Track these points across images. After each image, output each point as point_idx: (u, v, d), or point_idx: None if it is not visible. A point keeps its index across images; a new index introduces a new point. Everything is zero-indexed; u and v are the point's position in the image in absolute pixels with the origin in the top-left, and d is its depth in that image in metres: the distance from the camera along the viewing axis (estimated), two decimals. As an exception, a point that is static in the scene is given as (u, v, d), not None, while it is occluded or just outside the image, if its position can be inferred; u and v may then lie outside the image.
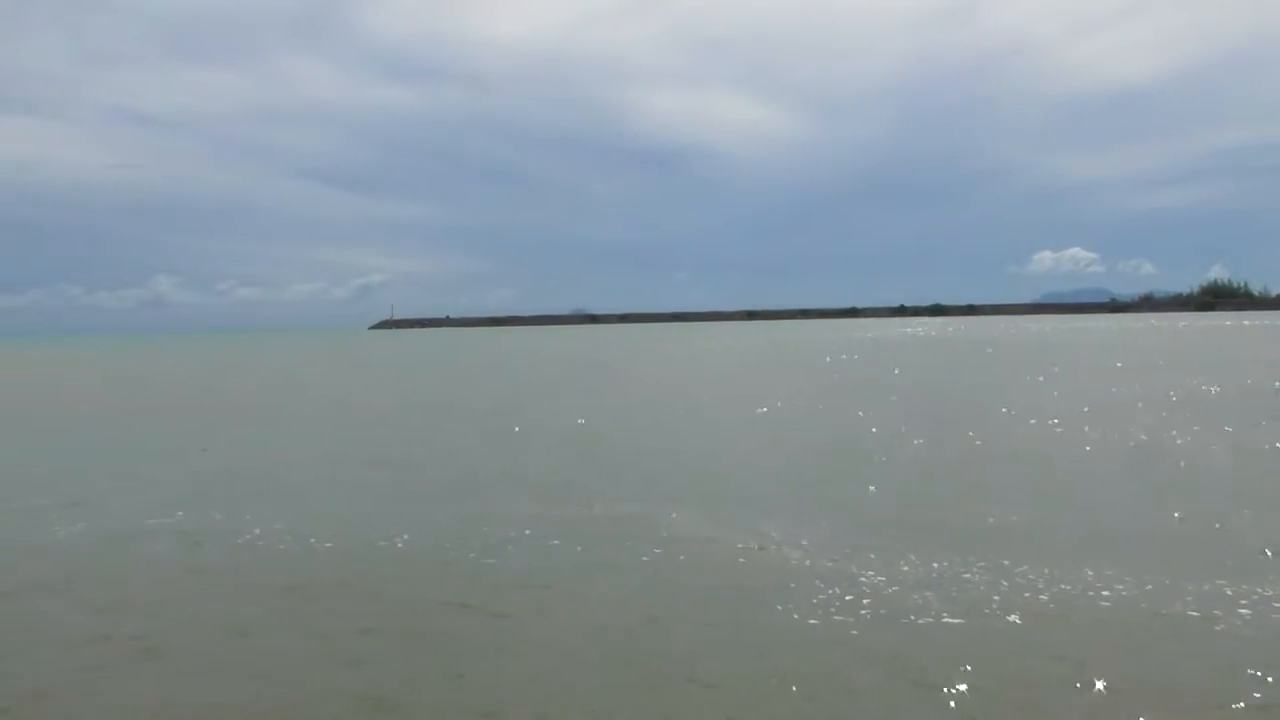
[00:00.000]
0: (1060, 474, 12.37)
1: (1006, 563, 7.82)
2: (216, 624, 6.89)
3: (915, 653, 5.94)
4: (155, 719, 5.45)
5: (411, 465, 14.61)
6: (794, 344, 63.39)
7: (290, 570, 8.30)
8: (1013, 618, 6.52)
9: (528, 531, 9.60)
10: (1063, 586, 7.14)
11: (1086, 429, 16.01)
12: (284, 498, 11.88)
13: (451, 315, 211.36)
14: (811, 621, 6.59)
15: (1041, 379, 27.50)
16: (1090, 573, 7.43)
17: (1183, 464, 12.66)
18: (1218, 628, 6.27)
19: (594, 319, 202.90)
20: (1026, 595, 6.98)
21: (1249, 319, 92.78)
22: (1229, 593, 6.90)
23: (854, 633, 6.36)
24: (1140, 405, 19.26)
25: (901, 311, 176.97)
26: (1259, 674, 5.47)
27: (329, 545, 9.15)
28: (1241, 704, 5.14)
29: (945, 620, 6.51)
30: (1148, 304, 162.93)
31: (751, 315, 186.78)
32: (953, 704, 5.23)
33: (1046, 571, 7.51)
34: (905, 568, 7.80)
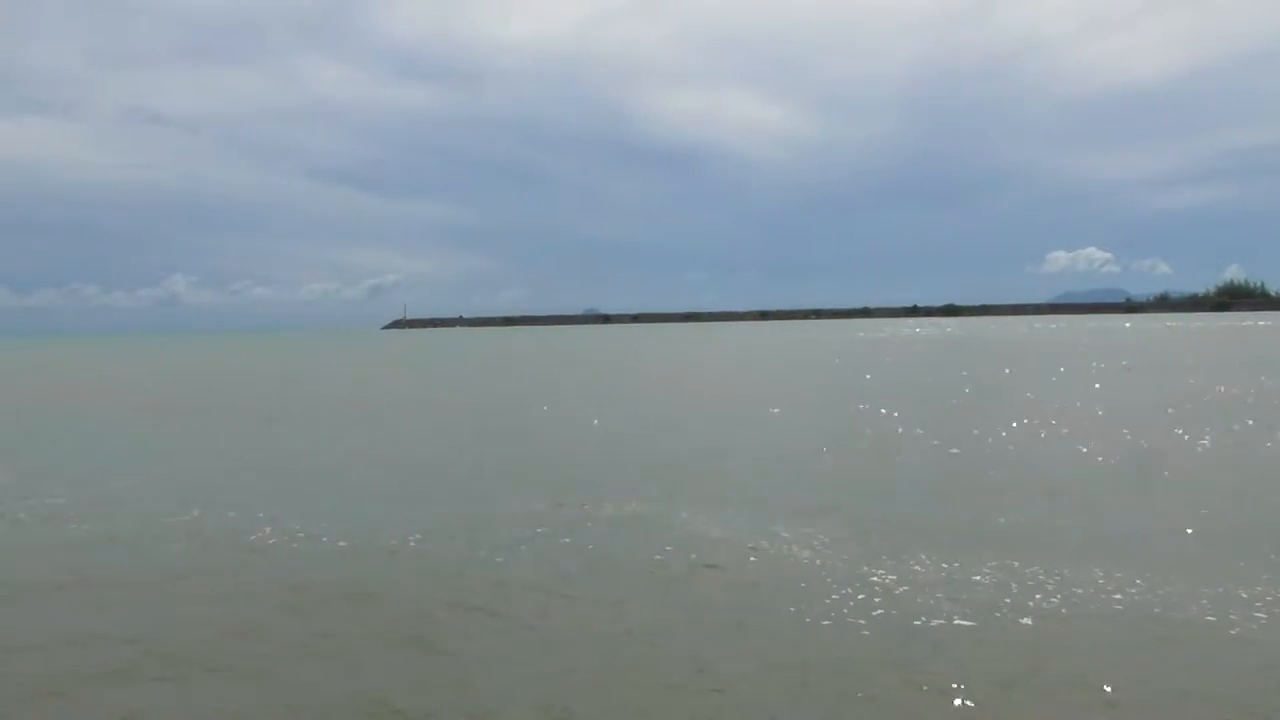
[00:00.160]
0: (1072, 475, 12.30)
1: (1016, 564, 7.79)
2: (226, 627, 6.86)
3: (927, 656, 5.91)
4: None
5: (425, 464, 14.66)
6: (805, 344, 63.30)
7: (301, 571, 8.33)
8: (1025, 621, 6.48)
9: (539, 529, 9.63)
10: (1075, 590, 7.10)
11: (1098, 430, 15.92)
12: (298, 497, 11.94)
13: (464, 315, 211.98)
14: (824, 623, 6.57)
15: (1053, 380, 27.37)
16: (1102, 576, 7.39)
17: (1196, 467, 12.58)
18: (1233, 633, 6.20)
19: (607, 319, 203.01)
20: (1038, 597, 6.94)
21: (1265, 319, 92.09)
22: (1243, 596, 6.84)
23: (866, 634, 6.34)
24: (1153, 407, 19.14)
25: (915, 312, 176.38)
26: (1276, 683, 5.42)
27: (342, 544, 9.19)
28: (1258, 714, 5.09)
29: (956, 622, 6.49)
30: (1163, 304, 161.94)
31: (765, 315, 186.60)
32: (963, 710, 5.20)
33: (1058, 573, 7.48)
34: (917, 568, 7.78)
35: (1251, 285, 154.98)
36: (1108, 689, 5.33)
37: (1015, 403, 20.83)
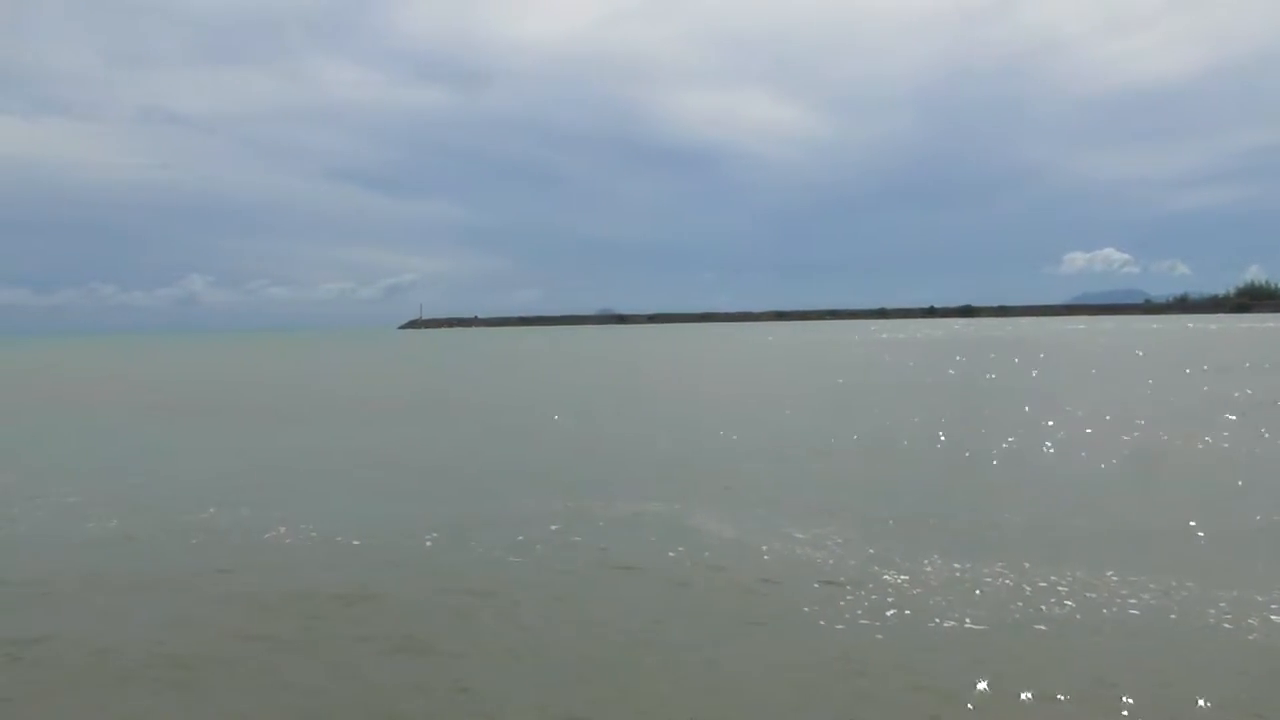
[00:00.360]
0: (1085, 477, 12.23)
1: (1028, 565, 7.76)
2: (236, 630, 6.84)
3: (939, 659, 5.88)
4: None
5: (437, 465, 14.71)
6: (820, 345, 63.14)
7: (313, 573, 8.35)
8: (1038, 626, 6.43)
9: (553, 527, 9.66)
10: (1087, 594, 7.05)
11: (1110, 433, 15.81)
12: (311, 496, 12.01)
13: (480, 315, 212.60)
14: (838, 626, 6.55)
15: (1068, 381, 27.20)
16: (1115, 577, 7.34)
17: (1211, 469, 12.47)
18: (1250, 638, 6.13)
19: (621, 319, 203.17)
20: (1051, 600, 6.90)
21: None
22: (1259, 599, 6.78)
23: (879, 637, 6.30)
24: (1168, 409, 19.00)
25: (931, 313, 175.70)
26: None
27: (355, 543, 9.23)
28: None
29: (968, 625, 6.45)
30: (1182, 305, 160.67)
31: (780, 316, 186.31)
32: (975, 713, 5.18)
33: (1070, 575, 7.43)
34: (929, 568, 7.75)
35: (1272, 286, 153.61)
36: (1124, 698, 5.28)
37: (1029, 404, 20.71)
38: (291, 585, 7.90)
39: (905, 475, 12.66)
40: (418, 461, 15.05)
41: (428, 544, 9.16)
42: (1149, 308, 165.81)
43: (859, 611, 6.80)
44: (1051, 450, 14.33)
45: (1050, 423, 17.29)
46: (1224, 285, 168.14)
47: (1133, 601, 6.84)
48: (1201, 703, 5.19)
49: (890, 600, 7.02)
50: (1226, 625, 6.37)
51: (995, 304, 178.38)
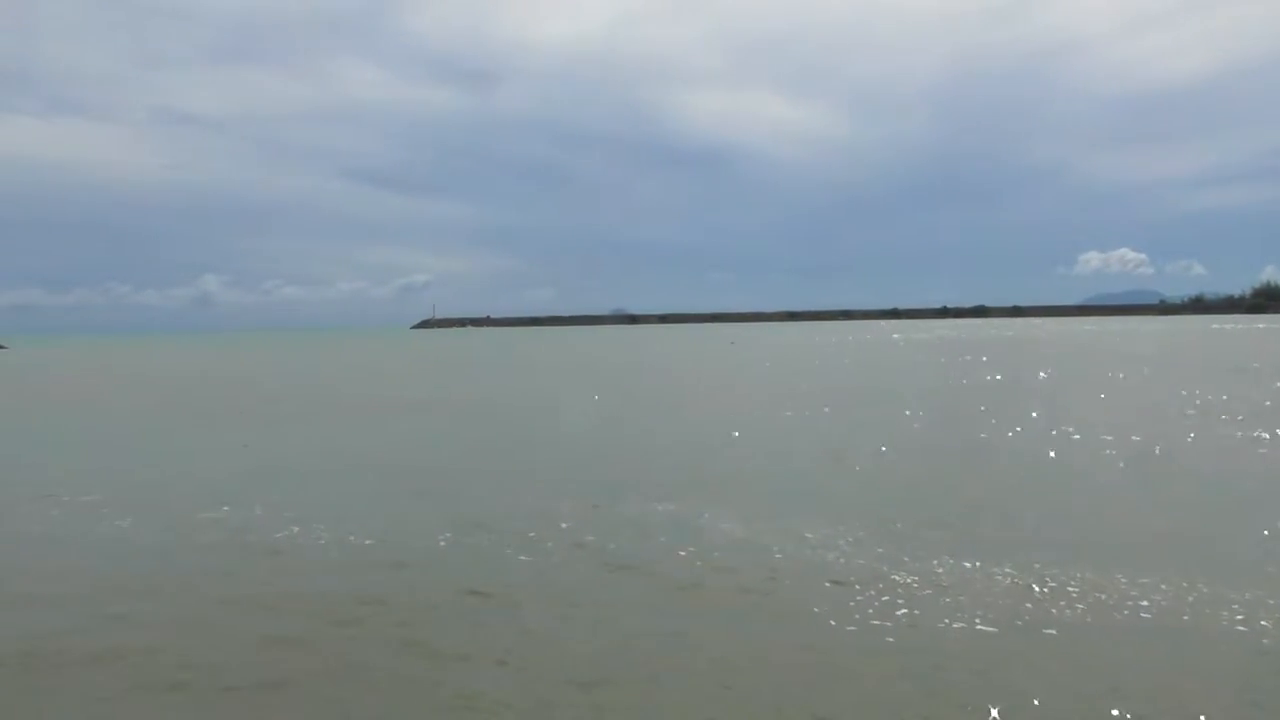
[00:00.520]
0: (1096, 478, 12.17)
1: (1038, 566, 7.74)
2: (247, 635, 6.81)
3: (948, 663, 5.86)
4: None
5: (449, 463, 14.76)
6: (832, 346, 62.99)
7: (324, 573, 8.42)
8: (1049, 631, 6.39)
9: (564, 525, 9.71)
10: (1098, 595, 7.03)
11: (1121, 434, 15.72)
12: (325, 496, 12.05)
13: (493, 315, 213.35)
14: (849, 628, 6.55)
15: (1080, 382, 27.07)
16: (1125, 581, 7.31)
17: (1224, 471, 12.40)
18: (1265, 641, 6.09)
19: (634, 319, 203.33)
20: (1061, 604, 6.87)
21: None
22: (1271, 603, 6.74)
23: (890, 640, 6.29)
24: (1179, 411, 18.89)
25: (945, 313, 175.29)
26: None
27: (368, 543, 9.27)
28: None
29: (979, 627, 6.44)
30: (1198, 306, 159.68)
31: (793, 316, 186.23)
32: (983, 717, 5.17)
33: (1080, 577, 7.40)
34: (940, 570, 7.74)
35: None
36: (1135, 703, 5.25)
37: (1041, 407, 20.62)
38: (302, 587, 7.95)
39: (915, 476, 12.63)
40: (428, 461, 15.10)
41: (440, 544, 9.19)
42: (1164, 308, 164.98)
43: (869, 611, 6.80)
44: (1062, 452, 14.26)
45: (1061, 424, 17.21)
46: (1240, 286, 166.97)
47: (1144, 604, 6.81)
48: (1211, 707, 5.17)
49: (901, 601, 7.01)
50: (1240, 628, 6.33)
51: (1009, 304, 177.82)
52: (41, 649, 6.55)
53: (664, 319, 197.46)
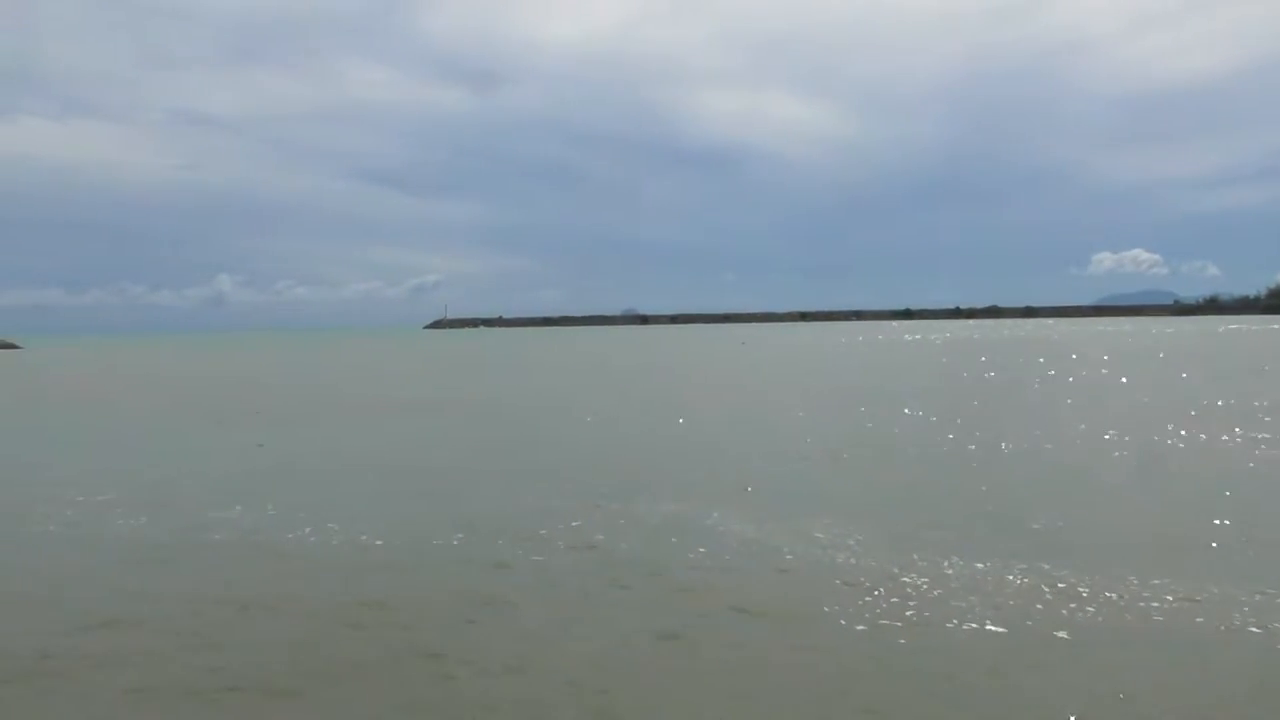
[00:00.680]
0: (1107, 479, 12.13)
1: (1047, 567, 7.72)
2: (257, 638, 6.83)
3: (959, 664, 5.84)
4: None
5: (460, 463, 14.80)
6: (843, 346, 62.87)
7: (334, 575, 8.44)
8: (1059, 633, 6.36)
9: (575, 523, 9.74)
10: (1109, 596, 7.00)
11: (1134, 435, 15.65)
12: (337, 496, 12.10)
13: (504, 315, 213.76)
14: (859, 627, 6.54)
15: (1092, 383, 26.94)
16: (1136, 581, 7.28)
17: (1236, 474, 12.32)
18: (1278, 645, 6.04)
19: (645, 319, 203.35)
20: (1072, 605, 6.84)
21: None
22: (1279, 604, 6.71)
23: (901, 641, 6.27)
24: (1192, 412, 18.78)
25: (957, 313, 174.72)
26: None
27: (377, 544, 9.31)
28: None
29: (989, 628, 6.42)
30: (1212, 306, 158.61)
31: (804, 316, 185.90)
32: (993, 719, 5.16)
33: (1091, 579, 7.37)
34: (949, 571, 7.72)
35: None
36: (1144, 704, 5.23)
37: (1053, 407, 20.54)
38: (309, 589, 7.96)
39: (926, 477, 12.60)
40: (439, 461, 15.15)
41: (448, 545, 9.22)
42: (1178, 309, 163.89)
43: (879, 612, 6.79)
44: (1073, 452, 14.21)
45: (1072, 424, 17.15)
46: (1255, 286, 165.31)
47: (1155, 606, 6.78)
48: (1223, 710, 5.14)
49: (911, 602, 7.00)
50: (1252, 630, 6.30)
51: (1021, 305, 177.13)
52: (51, 649, 6.58)
53: (675, 319, 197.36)
